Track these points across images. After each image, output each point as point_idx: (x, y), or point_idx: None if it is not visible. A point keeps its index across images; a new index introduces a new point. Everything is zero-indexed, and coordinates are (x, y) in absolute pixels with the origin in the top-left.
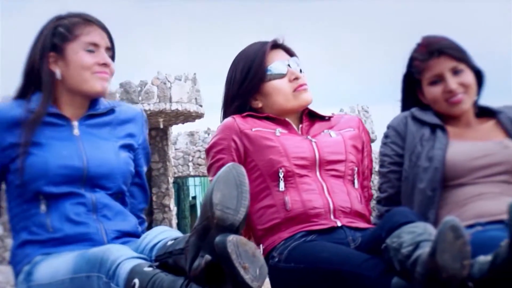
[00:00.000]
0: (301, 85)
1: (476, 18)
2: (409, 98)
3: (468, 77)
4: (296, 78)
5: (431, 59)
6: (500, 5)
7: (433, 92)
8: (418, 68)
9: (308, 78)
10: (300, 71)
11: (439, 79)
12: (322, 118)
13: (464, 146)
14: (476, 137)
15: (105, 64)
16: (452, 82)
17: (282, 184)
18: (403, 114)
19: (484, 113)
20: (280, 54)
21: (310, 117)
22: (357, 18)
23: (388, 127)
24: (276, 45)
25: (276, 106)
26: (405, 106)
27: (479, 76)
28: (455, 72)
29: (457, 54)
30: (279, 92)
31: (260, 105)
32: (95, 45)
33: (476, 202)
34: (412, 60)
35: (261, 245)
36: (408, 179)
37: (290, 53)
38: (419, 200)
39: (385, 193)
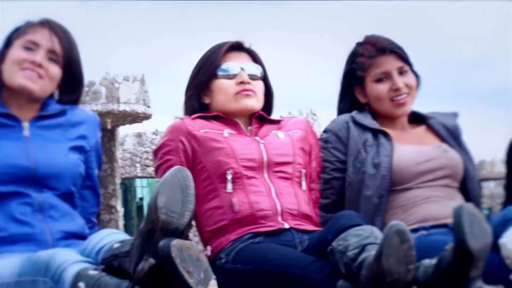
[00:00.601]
0: (245, 90)
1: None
2: (347, 97)
3: (412, 79)
4: (243, 82)
5: (380, 56)
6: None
7: (378, 89)
8: (364, 65)
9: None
10: (255, 78)
11: (385, 77)
12: (271, 122)
13: (408, 151)
14: (413, 141)
15: (37, 64)
16: (399, 80)
17: (230, 185)
18: (343, 118)
19: (413, 118)
20: (240, 56)
21: (260, 120)
22: (324, 19)
23: (327, 131)
24: (240, 48)
25: (218, 105)
26: (342, 104)
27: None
28: (401, 72)
29: (404, 55)
30: (222, 91)
31: (207, 101)
32: (35, 44)
33: (421, 206)
34: (356, 57)
35: (208, 247)
36: (352, 185)
37: (255, 59)
38: (365, 207)
39: (327, 199)
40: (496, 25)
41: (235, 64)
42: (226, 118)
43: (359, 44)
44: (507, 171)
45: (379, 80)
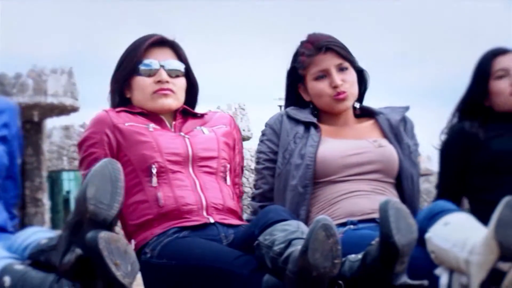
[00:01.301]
0: (162, 89)
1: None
2: (292, 95)
3: (352, 75)
4: (161, 81)
5: (318, 54)
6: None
7: (318, 86)
8: (304, 63)
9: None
10: (177, 75)
11: (324, 74)
12: (195, 116)
13: (336, 144)
14: (351, 135)
15: None
16: (337, 77)
17: (154, 179)
18: (280, 112)
19: (365, 113)
20: (162, 52)
21: (184, 114)
22: (256, 17)
23: (266, 125)
24: (164, 43)
25: (136, 102)
26: (288, 102)
27: (362, 77)
28: (340, 69)
29: (343, 52)
30: (140, 89)
31: (129, 95)
32: None
33: (348, 200)
34: (297, 56)
35: (132, 241)
36: (281, 176)
37: (178, 54)
38: (291, 196)
39: (259, 189)
40: (422, 21)
41: (154, 61)
42: (150, 114)
43: (301, 43)
44: (440, 170)
45: (318, 78)
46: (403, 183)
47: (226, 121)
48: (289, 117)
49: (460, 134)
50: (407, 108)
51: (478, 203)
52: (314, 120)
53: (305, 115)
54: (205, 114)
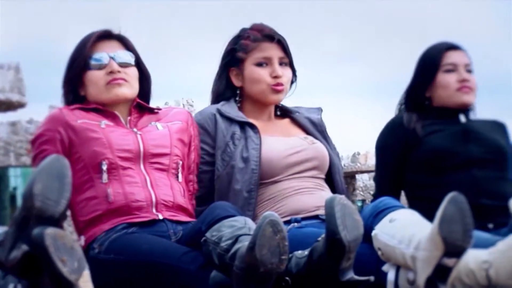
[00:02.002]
0: (114, 79)
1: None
2: (222, 78)
3: (290, 73)
4: (112, 72)
5: (265, 42)
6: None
7: (258, 72)
8: (247, 47)
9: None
10: (127, 65)
11: (266, 62)
12: (151, 111)
13: (277, 144)
14: (281, 133)
15: None
16: (279, 69)
17: (105, 176)
18: (210, 110)
19: (281, 111)
20: (110, 45)
21: (140, 109)
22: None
23: (197, 124)
24: (110, 36)
25: (91, 97)
26: (216, 85)
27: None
28: (281, 63)
29: (288, 49)
30: (93, 83)
31: (83, 93)
32: None
33: (291, 198)
34: (239, 39)
35: (82, 237)
36: (221, 178)
37: (126, 46)
38: (234, 201)
39: (198, 193)
40: (359, 22)
41: (103, 54)
42: (104, 110)
43: (244, 29)
44: (378, 164)
45: (259, 64)
46: (335, 178)
47: (183, 117)
48: (222, 116)
49: (397, 127)
50: (320, 109)
51: (418, 201)
52: (249, 120)
53: (237, 113)
54: (160, 109)
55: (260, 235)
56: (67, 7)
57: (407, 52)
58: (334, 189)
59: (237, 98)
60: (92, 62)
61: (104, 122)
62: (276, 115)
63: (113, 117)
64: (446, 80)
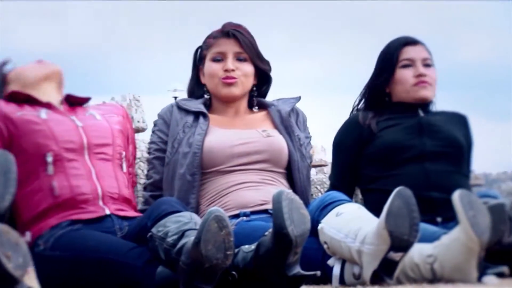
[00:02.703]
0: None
1: None
2: (193, 76)
3: (249, 68)
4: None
5: (223, 38)
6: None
7: (212, 67)
8: (208, 44)
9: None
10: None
11: (221, 58)
12: (82, 103)
13: (224, 133)
14: (241, 125)
15: None
16: (232, 63)
17: (50, 168)
18: (171, 103)
19: (259, 106)
20: None
21: (70, 104)
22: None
23: (158, 116)
24: None
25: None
26: (190, 83)
27: (265, 79)
28: (238, 58)
29: (246, 43)
30: (19, 81)
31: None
32: None
33: (238, 192)
34: (207, 38)
35: (27, 233)
36: (170, 164)
37: None
38: (179, 185)
39: (150, 179)
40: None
41: None
42: (40, 101)
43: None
44: (334, 160)
45: (215, 60)
46: (294, 174)
47: (118, 111)
48: (179, 108)
49: (353, 125)
50: (298, 99)
51: (370, 193)
52: (204, 109)
53: (196, 105)
54: (88, 98)
55: (205, 230)
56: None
57: (353, 49)
58: (293, 186)
59: (205, 96)
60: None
61: (44, 111)
62: (253, 109)
63: (49, 107)
64: (403, 76)
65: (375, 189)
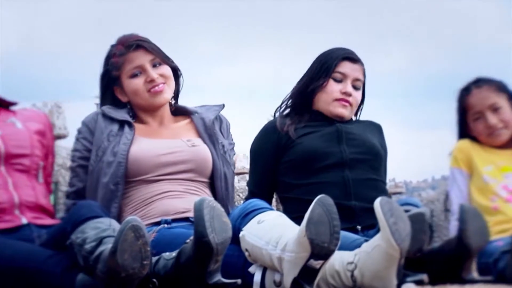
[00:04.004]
0: None
1: None
2: (107, 97)
3: (167, 70)
4: None
5: (130, 52)
6: None
7: (134, 83)
8: (117, 64)
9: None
10: None
11: (139, 71)
12: (6, 107)
13: (150, 143)
14: (167, 135)
15: None
16: (153, 72)
17: None
18: (96, 111)
19: (181, 112)
20: None
21: None
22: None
23: (82, 123)
24: None
25: None
26: (103, 103)
27: (176, 76)
28: (154, 64)
29: (154, 48)
30: None
31: None
32: None
33: (162, 200)
34: (109, 58)
35: None
36: (93, 173)
37: None
38: (102, 194)
39: (73, 187)
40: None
41: None
42: None
43: (112, 46)
44: (252, 167)
45: (134, 76)
46: (216, 182)
47: (41, 120)
48: (105, 116)
49: (271, 131)
50: (222, 107)
51: (288, 201)
52: (129, 118)
53: (121, 114)
54: (14, 103)
55: (122, 240)
56: None
57: (277, 56)
58: (215, 194)
59: (130, 113)
60: None
61: None
62: (177, 115)
63: None
64: (330, 87)
65: (293, 198)
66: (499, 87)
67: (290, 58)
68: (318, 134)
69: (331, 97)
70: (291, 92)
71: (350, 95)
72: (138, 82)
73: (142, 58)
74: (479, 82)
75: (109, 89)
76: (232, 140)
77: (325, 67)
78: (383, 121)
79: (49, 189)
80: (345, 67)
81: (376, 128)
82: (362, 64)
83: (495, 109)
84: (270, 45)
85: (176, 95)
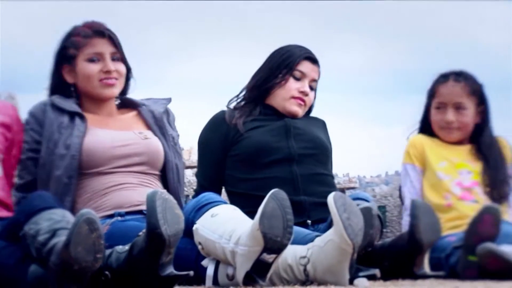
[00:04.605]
0: None
1: None
2: (56, 75)
3: (122, 67)
4: None
5: (96, 37)
6: None
7: (90, 68)
8: (78, 43)
9: None
10: None
11: (98, 58)
12: None
13: (104, 135)
14: (117, 126)
15: None
16: (111, 64)
17: None
18: (43, 101)
19: (127, 105)
20: None
21: None
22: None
23: (28, 114)
24: None
25: None
26: (51, 82)
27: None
28: (113, 58)
29: (118, 43)
30: None
31: None
32: None
33: (116, 193)
34: (70, 36)
35: None
36: (45, 166)
37: None
38: (55, 187)
39: (22, 179)
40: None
41: None
42: None
43: (76, 27)
44: (200, 159)
45: (91, 60)
46: (168, 174)
47: (6, 111)
48: (54, 106)
49: (219, 123)
50: (169, 100)
51: (236, 196)
52: (79, 110)
53: (70, 105)
54: None
55: (76, 232)
56: None
57: (232, 50)
58: (166, 186)
59: (73, 95)
60: None
61: None
62: (122, 108)
63: None
64: (289, 85)
65: (240, 193)
66: (474, 89)
67: (249, 52)
68: (267, 128)
69: (289, 94)
70: (246, 84)
71: (307, 94)
72: (94, 68)
73: (105, 47)
74: (459, 77)
75: (60, 67)
76: (177, 132)
77: (286, 64)
78: (338, 115)
79: (10, 182)
80: (306, 67)
81: (321, 124)
82: (319, 66)
83: (458, 108)
84: (227, 38)
85: (122, 95)
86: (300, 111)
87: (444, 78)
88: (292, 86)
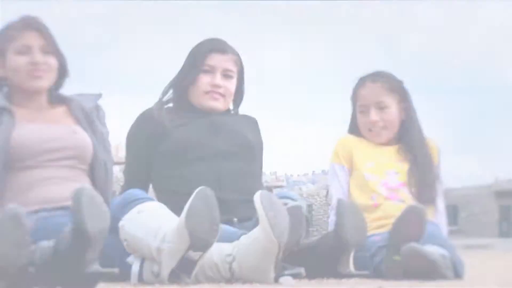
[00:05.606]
0: None
1: None
2: None
3: (53, 60)
4: None
5: (25, 30)
6: None
7: (18, 61)
8: (8, 37)
9: None
10: None
11: (26, 51)
12: None
13: (33, 129)
14: (47, 120)
15: None
16: (39, 56)
17: None
18: None
19: (56, 99)
20: None
21: None
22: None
23: None
24: None
25: None
26: None
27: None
28: (44, 51)
29: (48, 36)
30: None
31: None
32: None
33: (42, 187)
34: (4, 30)
35: None
36: None
37: None
38: None
39: None
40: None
41: None
42: None
43: (12, 21)
44: (127, 155)
45: (20, 53)
46: (96, 170)
47: None
48: None
49: (147, 119)
50: (100, 95)
51: (162, 193)
52: (7, 105)
53: None
54: None
55: (1, 228)
56: None
57: (172, 45)
58: (94, 182)
59: (4, 89)
60: None
61: None
62: (52, 103)
63: None
64: (199, 81)
65: (168, 190)
66: (393, 86)
67: (180, 49)
68: (193, 125)
69: (201, 90)
70: (169, 84)
71: (220, 86)
72: (21, 61)
73: (33, 40)
74: (376, 77)
75: None
76: (107, 128)
77: (193, 60)
78: (267, 114)
79: None
80: (213, 60)
81: (251, 122)
82: (234, 53)
83: (381, 107)
84: (159, 36)
85: (59, 84)
86: (218, 105)
87: (362, 81)
88: (203, 81)
